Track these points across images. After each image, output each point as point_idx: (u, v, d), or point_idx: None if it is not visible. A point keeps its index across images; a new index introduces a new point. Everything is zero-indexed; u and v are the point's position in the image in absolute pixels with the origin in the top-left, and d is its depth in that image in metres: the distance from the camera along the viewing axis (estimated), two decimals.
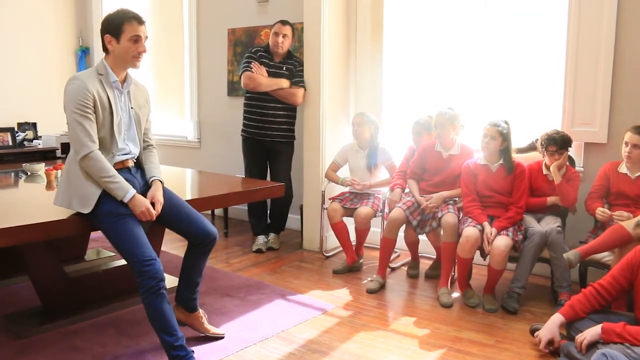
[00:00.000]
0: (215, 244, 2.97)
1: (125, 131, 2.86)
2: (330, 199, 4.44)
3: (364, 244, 4.45)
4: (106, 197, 2.69)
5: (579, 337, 2.70)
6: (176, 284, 3.09)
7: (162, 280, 2.60)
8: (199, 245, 2.91)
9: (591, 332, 2.66)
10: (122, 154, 2.84)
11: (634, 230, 2.99)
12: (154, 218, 2.77)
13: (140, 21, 2.74)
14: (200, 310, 3.08)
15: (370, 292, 3.85)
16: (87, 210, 2.67)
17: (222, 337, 3.09)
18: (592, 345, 2.64)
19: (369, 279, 4.06)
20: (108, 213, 2.66)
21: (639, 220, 2.62)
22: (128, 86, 2.86)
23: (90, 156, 2.66)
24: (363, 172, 4.38)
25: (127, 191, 2.69)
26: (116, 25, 2.71)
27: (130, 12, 2.75)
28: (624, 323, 2.61)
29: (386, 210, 4.17)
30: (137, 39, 2.72)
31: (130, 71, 2.88)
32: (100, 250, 4.34)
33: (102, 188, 2.68)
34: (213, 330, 3.10)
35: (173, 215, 2.88)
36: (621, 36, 3.76)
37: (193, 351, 2.71)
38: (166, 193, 2.92)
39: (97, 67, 2.79)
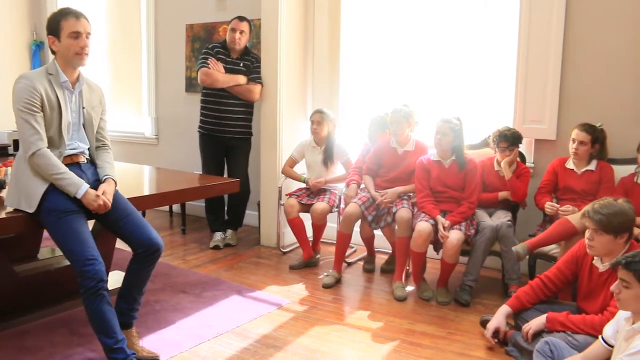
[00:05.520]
0: (159, 257, 2.82)
1: (75, 131, 2.82)
2: (287, 195, 4.46)
3: (321, 240, 4.49)
4: (51, 194, 2.64)
5: (525, 327, 2.80)
6: None
7: (102, 281, 2.54)
8: (142, 255, 2.76)
9: (536, 322, 2.76)
10: (70, 149, 2.78)
11: (579, 222, 3.09)
12: (110, 206, 2.72)
13: (77, 17, 2.69)
14: (134, 329, 2.89)
15: (326, 286, 3.88)
16: (31, 209, 2.63)
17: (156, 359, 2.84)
18: (538, 334, 2.74)
19: (325, 274, 4.09)
20: (51, 210, 2.62)
21: (583, 211, 2.71)
22: (80, 86, 2.81)
23: (38, 154, 2.62)
24: (319, 168, 4.42)
25: (79, 186, 2.65)
26: (55, 24, 2.68)
27: (67, 9, 2.71)
28: (567, 312, 2.71)
29: (342, 205, 4.21)
30: (76, 35, 2.67)
31: (87, 70, 2.83)
32: (54, 249, 4.26)
33: (47, 185, 2.64)
34: (146, 351, 2.83)
35: (120, 219, 2.79)
36: (569, 39, 3.89)
37: (134, 353, 2.66)
38: (117, 196, 2.84)
39: (47, 66, 2.74)
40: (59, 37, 2.68)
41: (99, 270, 2.53)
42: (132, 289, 2.83)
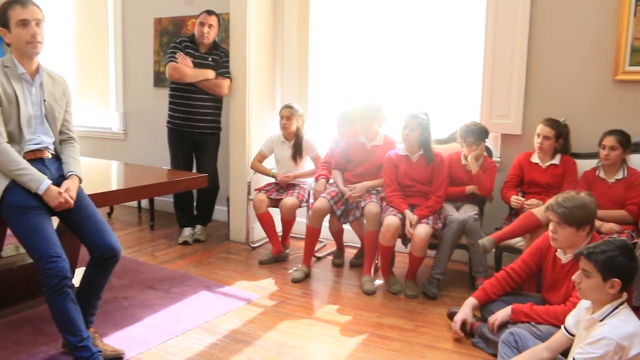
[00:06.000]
0: (116, 262, 2.72)
1: (38, 125, 2.73)
2: (256, 190, 4.45)
3: (290, 234, 4.49)
4: (12, 190, 2.57)
5: (491, 318, 2.85)
6: None
7: (67, 278, 2.49)
8: (98, 259, 2.67)
9: (502, 313, 2.82)
10: (33, 144, 2.71)
11: (543, 215, 3.16)
12: (72, 204, 2.65)
13: (23, 4, 2.59)
14: (92, 329, 2.78)
15: (295, 281, 3.89)
16: None
17: (121, 356, 2.79)
18: (503, 326, 2.79)
19: (294, 268, 4.10)
20: (13, 207, 2.55)
21: (547, 205, 2.77)
22: (40, 78, 2.73)
23: None
24: (289, 163, 4.41)
25: (41, 182, 2.58)
26: (2, 16, 2.60)
27: None
28: (531, 304, 2.77)
29: (311, 200, 4.22)
30: (24, 23, 2.58)
31: (52, 63, 2.76)
32: (19, 247, 4.16)
33: (7, 182, 2.57)
34: (110, 348, 2.77)
35: (80, 220, 2.70)
36: (534, 35, 3.96)
37: (100, 351, 2.62)
38: (80, 195, 2.76)
39: (4, 59, 2.66)
40: (9, 28, 2.60)
41: (62, 268, 2.48)
42: (87, 293, 2.75)
